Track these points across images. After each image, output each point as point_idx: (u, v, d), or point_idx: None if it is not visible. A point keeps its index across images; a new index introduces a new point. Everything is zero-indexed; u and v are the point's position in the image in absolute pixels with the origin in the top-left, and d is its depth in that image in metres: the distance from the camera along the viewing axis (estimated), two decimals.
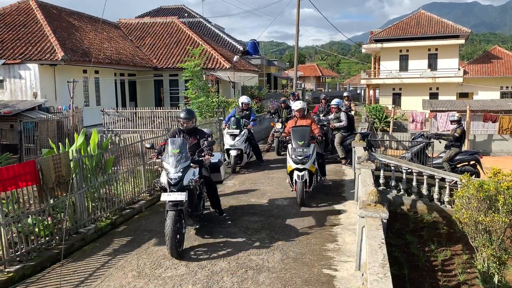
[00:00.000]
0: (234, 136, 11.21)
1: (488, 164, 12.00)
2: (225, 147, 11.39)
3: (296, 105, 8.94)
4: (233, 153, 11.17)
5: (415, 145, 12.31)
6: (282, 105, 14.72)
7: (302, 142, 8.04)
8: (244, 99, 12.40)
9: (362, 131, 14.26)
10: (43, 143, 13.24)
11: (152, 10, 39.44)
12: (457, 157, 11.49)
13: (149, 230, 6.93)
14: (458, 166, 11.49)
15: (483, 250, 6.50)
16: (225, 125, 11.72)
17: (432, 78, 35.90)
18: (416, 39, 36.73)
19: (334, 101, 12.69)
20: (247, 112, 12.10)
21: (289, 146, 8.24)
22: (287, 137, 8.50)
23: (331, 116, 12.81)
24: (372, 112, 25.40)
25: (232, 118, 11.54)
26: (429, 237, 8.43)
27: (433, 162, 11.74)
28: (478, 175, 10.89)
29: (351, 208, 7.96)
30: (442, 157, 11.78)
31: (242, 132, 11.36)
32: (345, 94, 17.47)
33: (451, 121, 11.92)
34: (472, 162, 11.57)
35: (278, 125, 13.93)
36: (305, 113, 8.98)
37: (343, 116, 12.22)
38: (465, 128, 12.08)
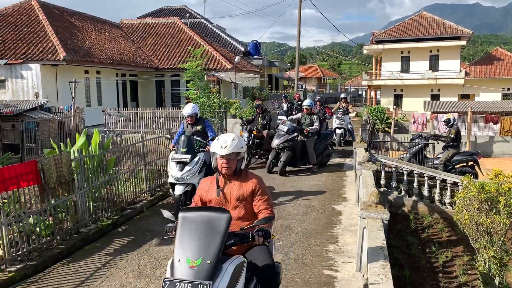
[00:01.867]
0: (182, 164, 7.30)
1: (490, 165, 11.98)
2: (169, 180, 7.54)
3: (221, 143, 3.43)
4: (178, 190, 7.23)
5: (413, 146, 12.30)
6: (257, 110, 12.71)
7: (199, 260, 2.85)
8: (187, 109, 7.89)
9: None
10: (44, 143, 13.27)
11: (153, 10, 39.50)
12: (455, 158, 11.47)
13: (150, 230, 6.94)
14: (456, 167, 11.46)
15: (484, 252, 6.50)
16: (173, 146, 7.90)
17: (434, 79, 35.90)
18: (418, 40, 36.73)
19: (307, 102, 11.63)
20: (198, 128, 7.93)
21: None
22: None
23: (298, 115, 11.90)
24: (373, 113, 25.40)
25: (182, 137, 7.59)
26: (430, 238, 8.43)
27: (432, 163, 11.73)
28: (476, 176, 10.86)
29: (352, 209, 7.96)
30: (439, 157, 11.77)
31: (196, 159, 7.42)
32: (342, 96, 17.22)
33: (444, 123, 11.93)
34: (470, 163, 11.55)
35: (245, 134, 11.94)
36: (242, 165, 3.55)
37: (316, 120, 11.33)
38: (459, 128, 12.05)
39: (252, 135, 11.92)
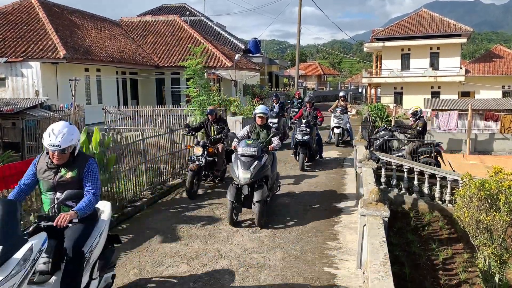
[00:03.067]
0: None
1: (490, 163, 12.02)
2: None
3: None
4: None
5: (378, 138, 12.29)
6: (209, 117, 9.39)
7: None
8: (55, 137, 3.74)
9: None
10: None
11: (154, 8, 39.43)
12: (420, 149, 11.64)
13: (151, 228, 6.95)
14: (420, 158, 11.62)
15: (484, 249, 6.51)
16: None
17: (434, 77, 35.85)
18: (418, 38, 36.66)
19: (260, 109, 7.96)
20: (69, 175, 3.91)
21: None
22: None
23: (246, 129, 8.12)
24: (373, 111, 25.38)
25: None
26: (430, 236, 8.44)
27: (397, 154, 11.86)
28: (439, 167, 11.13)
29: (353, 207, 7.97)
30: (405, 149, 11.89)
31: (16, 256, 3.08)
32: (341, 94, 16.47)
33: (411, 115, 11.96)
34: (434, 154, 11.70)
35: (198, 151, 8.74)
36: None
37: (276, 133, 8.00)
38: (425, 120, 12.24)
39: (207, 152, 8.91)
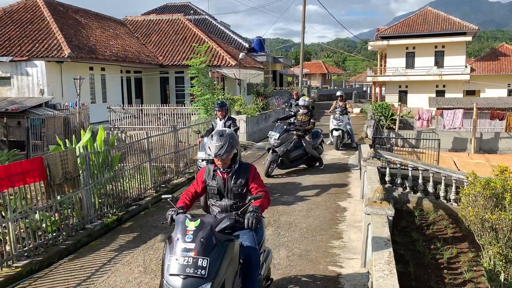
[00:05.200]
0: None
1: (495, 162, 11.95)
2: None
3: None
4: None
5: (283, 143, 10.64)
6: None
7: None
8: None
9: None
10: (50, 139, 13.34)
11: (158, 7, 39.48)
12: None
13: (155, 226, 6.97)
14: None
15: (489, 248, 6.48)
16: None
17: (439, 75, 35.70)
18: (423, 36, 36.51)
19: None
20: None
21: None
22: None
23: None
24: (378, 110, 25.31)
25: None
26: (435, 234, 8.42)
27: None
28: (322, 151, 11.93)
29: (357, 206, 7.95)
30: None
31: None
32: (338, 93, 15.41)
33: (304, 108, 11.50)
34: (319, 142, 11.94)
35: None
36: None
37: None
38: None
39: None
